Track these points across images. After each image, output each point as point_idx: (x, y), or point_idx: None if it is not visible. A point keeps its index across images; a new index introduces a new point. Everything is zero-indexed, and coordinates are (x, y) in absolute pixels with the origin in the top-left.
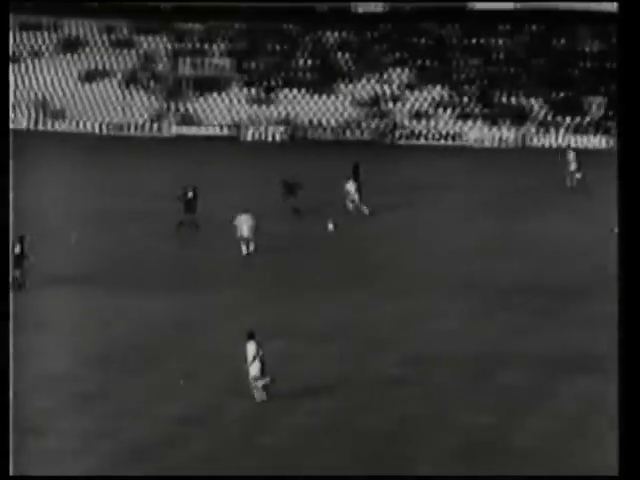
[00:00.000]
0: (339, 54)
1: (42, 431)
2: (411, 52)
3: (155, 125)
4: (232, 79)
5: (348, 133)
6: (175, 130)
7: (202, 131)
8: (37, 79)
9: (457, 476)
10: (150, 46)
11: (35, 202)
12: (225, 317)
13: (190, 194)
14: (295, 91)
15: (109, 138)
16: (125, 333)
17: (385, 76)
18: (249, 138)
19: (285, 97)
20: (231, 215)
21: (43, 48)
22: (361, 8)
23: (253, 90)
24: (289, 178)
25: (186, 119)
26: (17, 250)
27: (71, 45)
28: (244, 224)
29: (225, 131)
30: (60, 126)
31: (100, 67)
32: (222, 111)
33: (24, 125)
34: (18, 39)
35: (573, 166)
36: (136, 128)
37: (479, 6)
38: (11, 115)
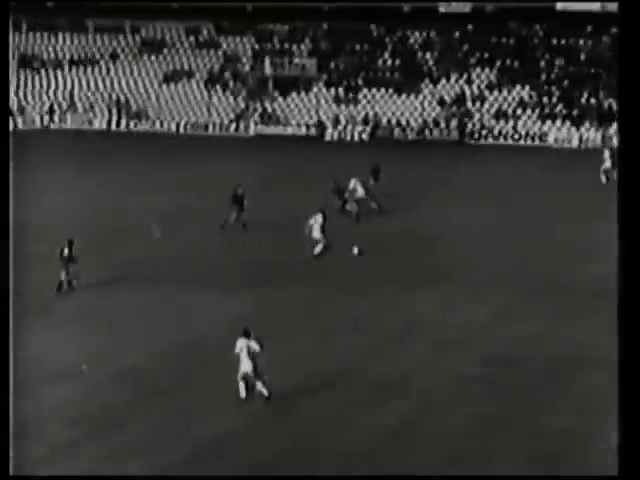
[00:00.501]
0: (423, 54)
1: (122, 424)
2: (495, 52)
3: (236, 124)
4: (315, 79)
5: (431, 133)
6: (257, 129)
7: (284, 130)
8: (117, 81)
9: (457, 476)
10: (233, 47)
11: (119, 200)
12: (306, 314)
13: (240, 191)
14: (378, 91)
15: (187, 137)
16: (204, 330)
17: (469, 76)
18: (331, 138)
19: (368, 97)
20: (306, 214)
21: (126, 50)
22: (444, 8)
23: (336, 90)
24: (374, 164)
25: (268, 118)
26: (65, 253)
27: (153, 47)
28: (315, 223)
29: (307, 130)
30: (141, 126)
31: (183, 68)
32: (303, 110)
33: (103, 126)
34: (99, 42)
35: (608, 163)
36: (217, 127)
37: (563, 6)
38: (89, 116)
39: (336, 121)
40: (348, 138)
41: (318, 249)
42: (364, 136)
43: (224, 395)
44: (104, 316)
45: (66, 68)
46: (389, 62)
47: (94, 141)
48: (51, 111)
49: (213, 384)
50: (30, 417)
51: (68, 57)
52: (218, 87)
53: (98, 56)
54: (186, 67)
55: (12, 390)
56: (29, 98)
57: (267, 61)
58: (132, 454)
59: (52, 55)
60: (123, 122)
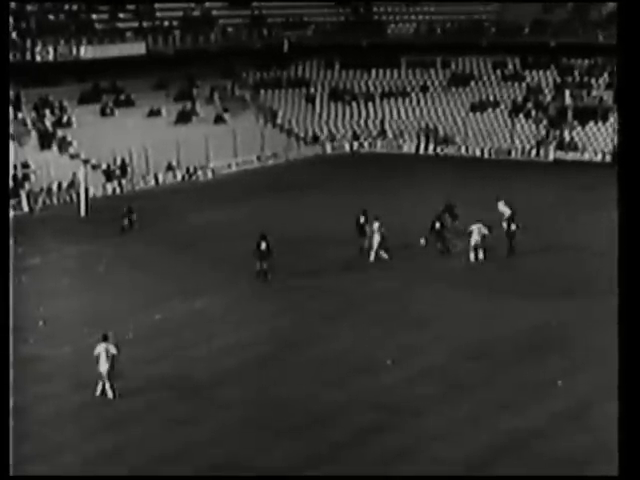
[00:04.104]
0: None
1: (420, 413)
2: None
3: (537, 150)
4: (611, 109)
5: None
6: (556, 155)
7: (580, 156)
8: (426, 110)
9: (457, 476)
10: (536, 79)
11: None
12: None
13: (362, 219)
14: None
15: (490, 161)
16: (505, 332)
17: None
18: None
19: None
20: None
21: (435, 83)
22: None
23: None
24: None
25: (566, 145)
26: (263, 246)
27: (461, 79)
28: (475, 231)
29: (602, 157)
30: (448, 150)
31: (489, 98)
32: (600, 139)
33: (412, 150)
34: (410, 76)
35: None
36: (519, 153)
37: None
38: (398, 142)
39: None
40: None
41: (473, 255)
42: None
43: (521, 394)
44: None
45: (377, 100)
46: None
47: (404, 161)
48: (356, 137)
49: (508, 382)
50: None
51: (380, 90)
52: (521, 116)
53: (409, 89)
54: (492, 98)
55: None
56: (339, 127)
57: (567, 92)
58: (435, 439)
59: (364, 89)
60: (431, 147)
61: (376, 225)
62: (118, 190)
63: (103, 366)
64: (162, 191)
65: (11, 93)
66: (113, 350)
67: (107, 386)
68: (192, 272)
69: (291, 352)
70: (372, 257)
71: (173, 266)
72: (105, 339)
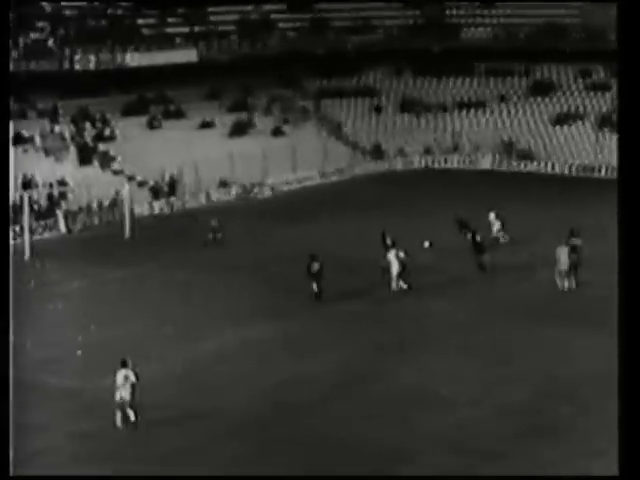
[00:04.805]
0: None
1: (504, 455)
2: None
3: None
4: None
5: None
6: None
7: None
8: (505, 122)
9: (456, 476)
10: None
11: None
12: None
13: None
14: None
15: (574, 179)
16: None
17: None
18: None
19: None
20: None
21: (516, 92)
22: None
23: None
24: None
25: None
26: (315, 267)
27: (543, 89)
28: (562, 255)
29: None
30: (528, 167)
31: (573, 110)
32: None
33: (487, 166)
34: (487, 85)
35: None
36: (606, 170)
37: None
38: (474, 157)
39: None
40: None
41: (559, 281)
42: None
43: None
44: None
45: (450, 111)
46: None
47: (481, 178)
48: (428, 152)
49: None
50: None
51: (453, 100)
52: (608, 129)
53: (486, 99)
54: (576, 109)
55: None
56: (409, 140)
57: None
58: None
59: (436, 99)
60: (509, 162)
61: (392, 253)
62: (166, 209)
63: (122, 394)
64: (214, 210)
65: (48, 105)
66: (133, 378)
67: (128, 412)
68: (245, 296)
69: (354, 387)
70: (394, 286)
71: (225, 290)
72: (124, 365)
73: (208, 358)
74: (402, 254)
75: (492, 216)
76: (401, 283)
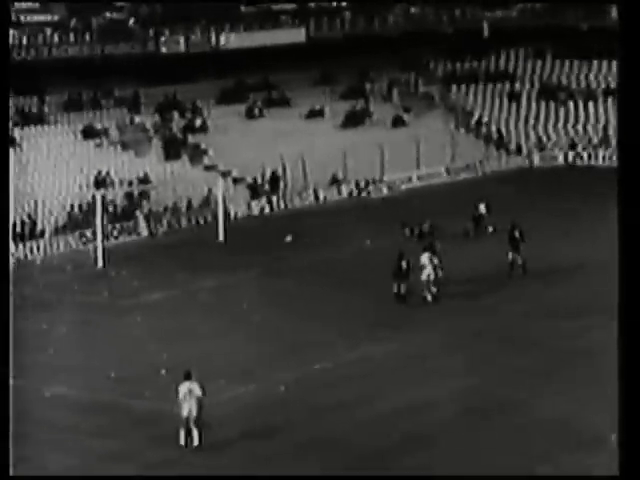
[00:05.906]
0: None
1: None
2: None
3: None
4: None
5: None
6: None
7: None
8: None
9: (453, 476)
10: None
11: None
12: None
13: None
14: None
15: None
16: None
17: None
18: None
19: None
20: None
21: None
22: None
23: None
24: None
25: None
26: (404, 265)
27: None
28: None
29: None
30: None
31: None
32: None
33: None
34: None
35: None
36: None
37: None
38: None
39: None
40: None
41: None
42: None
43: None
44: None
45: (599, 99)
46: None
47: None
48: (573, 146)
49: None
50: None
51: (603, 87)
52: None
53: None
54: None
55: None
56: (551, 132)
57: None
58: None
59: (583, 84)
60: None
61: (426, 255)
62: (267, 209)
63: (186, 410)
64: (324, 210)
65: (127, 93)
66: (198, 391)
67: (194, 433)
68: (357, 310)
69: (483, 418)
70: (428, 296)
71: (332, 303)
72: (188, 377)
73: (316, 379)
74: (436, 260)
75: (482, 207)
76: (432, 290)
